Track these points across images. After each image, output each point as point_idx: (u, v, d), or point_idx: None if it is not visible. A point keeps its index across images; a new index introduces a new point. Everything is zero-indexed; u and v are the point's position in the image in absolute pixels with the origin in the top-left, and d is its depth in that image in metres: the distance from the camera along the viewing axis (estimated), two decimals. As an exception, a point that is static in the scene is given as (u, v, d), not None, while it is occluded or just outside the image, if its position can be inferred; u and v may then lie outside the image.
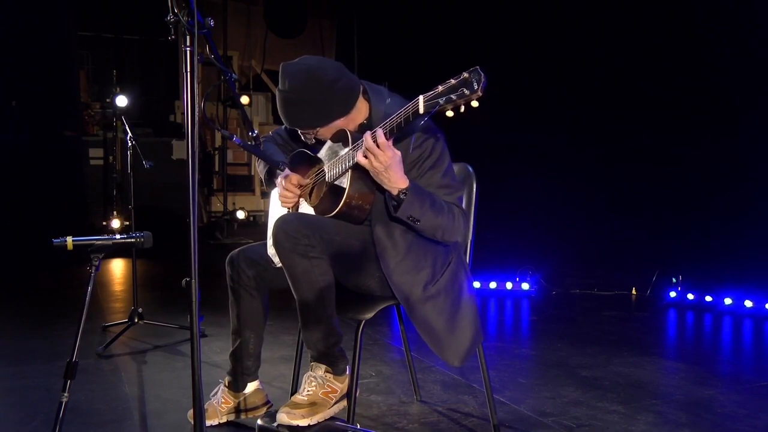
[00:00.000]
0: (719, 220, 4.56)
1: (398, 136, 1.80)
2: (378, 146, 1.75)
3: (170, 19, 1.46)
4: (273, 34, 9.83)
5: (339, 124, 2.00)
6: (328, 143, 2.08)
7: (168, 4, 1.45)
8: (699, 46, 4.66)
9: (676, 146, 4.91)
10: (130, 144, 3.52)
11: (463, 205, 2.08)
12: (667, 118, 4.96)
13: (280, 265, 1.99)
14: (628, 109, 5.17)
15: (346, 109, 1.98)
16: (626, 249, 5.20)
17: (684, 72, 4.80)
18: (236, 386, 2.26)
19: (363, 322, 1.95)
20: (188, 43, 1.47)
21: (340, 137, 1.99)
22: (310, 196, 2.15)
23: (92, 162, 7.54)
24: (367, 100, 2.04)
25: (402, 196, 1.82)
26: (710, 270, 4.34)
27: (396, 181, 1.80)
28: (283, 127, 2.33)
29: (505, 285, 4.65)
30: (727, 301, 4.14)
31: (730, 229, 4.49)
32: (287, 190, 2.14)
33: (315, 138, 2.07)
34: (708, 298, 4.23)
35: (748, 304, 4.07)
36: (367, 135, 1.77)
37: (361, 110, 2.03)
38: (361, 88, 2.03)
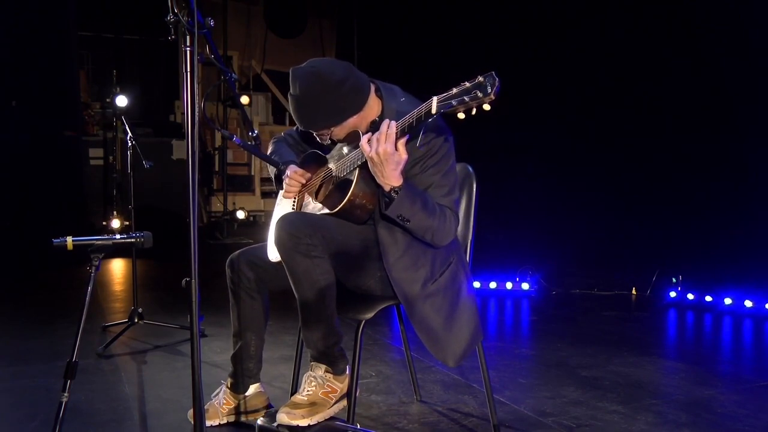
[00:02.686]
0: (719, 220, 4.55)
1: (411, 135, 1.81)
2: (385, 138, 1.75)
3: (170, 19, 1.46)
4: (273, 34, 9.83)
5: (352, 122, 2.01)
6: (340, 144, 2.09)
7: (168, 4, 1.45)
8: (699, 46, 4.66)
9: (676, 146, 4.91)
10: (130, 144, 3.52)
11: (461, 208, 2.08)
12: (667, 118, 4.96)
13: (276, 259, 1.99)
14: (628, 109, 5.16)
15: (357, 107, 1.99)
16: (626, 249, 5.20)
17: (684, 72, 4.80)
18: (238, 388, 2.26)
19: (363, 322, 1.95)
20: (188, 43, 1.47)
21: (351, 137, 2.01)
22: (317, 194, 2.16)
23: (92, 162, 7.53)
24: (380, 97, 2.05)
25: (393, 194, 1.82)
26: (710, 270, 4.34)
27: (389, 177, 1.80)
28: (294, 128, 2.36)
29: (505, 285, 4.65)
30: (727, 301, 4.14)
31: (730, 229, 4.49)
32: (292, 179, 2.15)
33: (330, 138, 2.08)
34: (708, 298, 4.23)
35: (748, 304, 4.07)
36: (385, 122, 1.77)
37: (373, 108, 2.04)
38: (373, 87, 2.05)
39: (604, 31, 5.16)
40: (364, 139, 1.81)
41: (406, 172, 1.86)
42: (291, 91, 1.99)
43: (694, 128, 4.74)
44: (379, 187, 1.87)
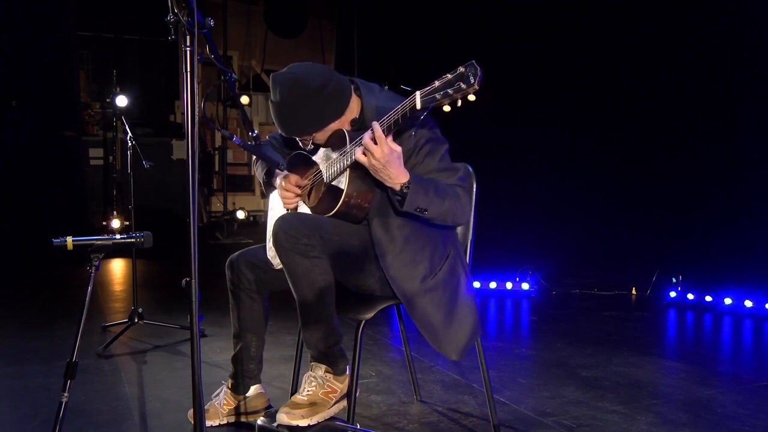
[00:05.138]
0: (719, 219, 4.56)
1: (396, 131, 1.80)
2: (375, 142, 1.75)
3: (170, 19, 1.46)
4: (273, 34, 9.83)
5: (333, 126, 2.01)
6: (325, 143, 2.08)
7: (168, 4, 1.45)
8: (699, 47, 4.66)
9: (676, 146, 4.91)
10: (130, 144, 3.52)
11: (465, 183, 2.07)
12: (667, 118, 4.96)
13: (279, 266, 1.99)
14: (628, 109, 5.17)
15: (338, 113, 1.99)
16: (626, 249, 5.21)
17: (685, 73, 4.80)
18: (238, 389, 2.27)
19: (363, 322, 1.95)
20: (188, 43, 1.47)
21: (337, 138, 2.00)
22: (308, 197, 2.15)
23: (92, 162, 7.52)
24: (359, 96, 2.04)
25: (405, 190, 1.82)
26: (710, 270, 4.34)
27: (397, 176, 1.80)
28: (278, 131, 2.34)
29: (505, 285, 4.65)
30: (727, 301, 4.14)
31: (730, 229, 4.49)
32: (287, 190, 2.14)
33: (313, 143, 2.08)
34: (708, 298, 4.23)
35: (748, 304, 4.06)
36: (367, 134, 1.78)
37: (353, 108, 2.03)
38: (352, 86, 2.04)
39: (603, 31, 5.17)
40: (358, 152, 1.80)
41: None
42: (271, 97, 1.98)
43: (694, 128, 4.75)
44: (386, 188, 1.87)
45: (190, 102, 1.46)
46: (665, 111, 4.95)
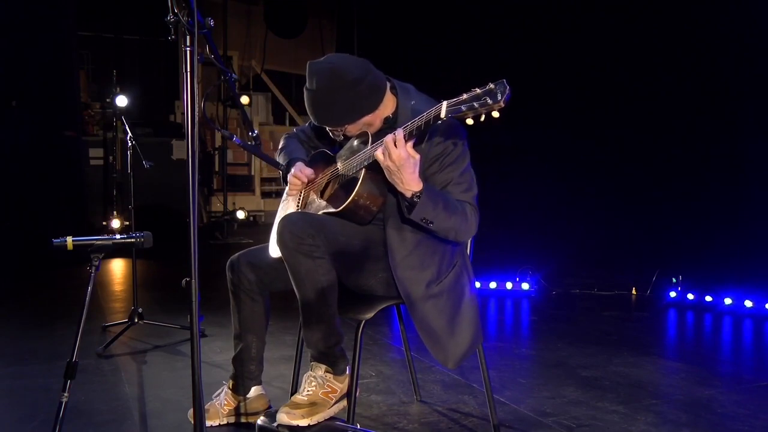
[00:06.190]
0: (719, 219, 4.55)
1: (419, 137, 1.82)
2: (395, 144, 1.76)
3: (170, 19, 1.46)
4: (273, 34, 9.83)
5: (366, 120, 2.01)
6: (348, 143, 2.09)
7: (168, 4, 1.45)
8: (699, 47, 4.66)
9: (676, 146, 4.91)
10: (130, 144, 3.52)
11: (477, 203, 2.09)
12: (667, 118, 4.96)
13: (277, 255, 1.99)
14: (627, 108, 5.16)
15: (373, 107, 2.00)
16: (626, 249, 5.20)
17: (684, 72, 4.80)
18: (239, 390, 2.27)
19: (363, 322, 1.95)
20: (188, 43, 1.47)
21: (361, 137, 2.02)
22: (323, 193, 2.16)
23: (92, 162, 7.52)
24: (395, 95, 2.05)
25: (416, 199, 1.83)
26: (710, 270, 4.34)
27: (409, 183, 1.81)
28: (308, 123, 2.37)
29: (505, 285, 4.65)
30: (727, 301, 4.14)
31: (730, 229, 4.49)
32: (296, 177, 2.15)
33: (344, 135, 2.09)
34: (708, 298, 4.23)
35: (748, 304, 4.07)
36: (389, 135, 1.79)
37: (387, 106, 2.04)
38: (389, 84, 2.05)
39: (604, 32, 5.16)
40: (378, 151, 1.82)
41: (423, 171, 1.88)
42: (307, 85, 1.99)
43: (695, 128, 4.74)
44: (399, 194, 1.88)
45: (190, 102, 1.46)
46: (665, 111, 4.95)
